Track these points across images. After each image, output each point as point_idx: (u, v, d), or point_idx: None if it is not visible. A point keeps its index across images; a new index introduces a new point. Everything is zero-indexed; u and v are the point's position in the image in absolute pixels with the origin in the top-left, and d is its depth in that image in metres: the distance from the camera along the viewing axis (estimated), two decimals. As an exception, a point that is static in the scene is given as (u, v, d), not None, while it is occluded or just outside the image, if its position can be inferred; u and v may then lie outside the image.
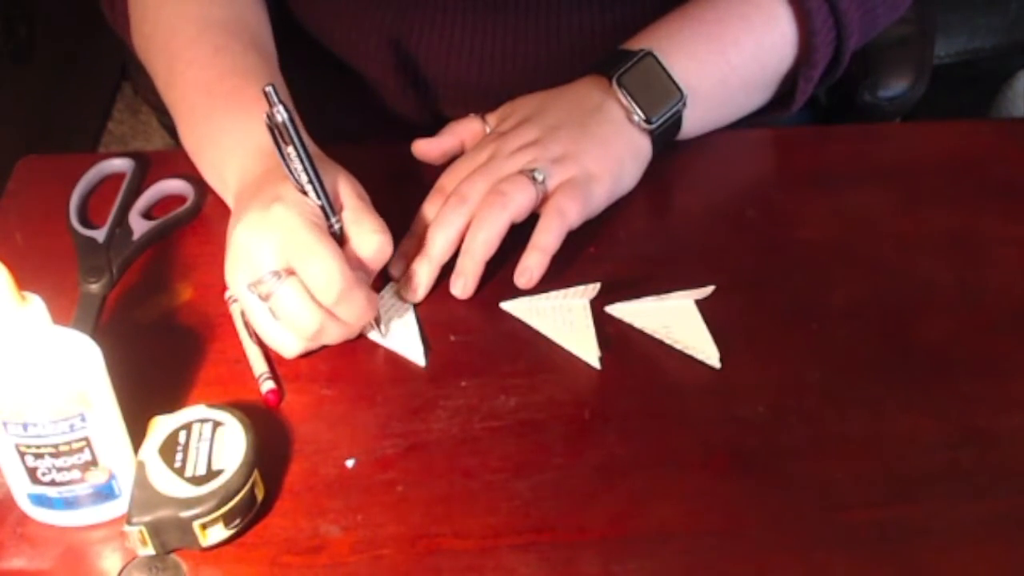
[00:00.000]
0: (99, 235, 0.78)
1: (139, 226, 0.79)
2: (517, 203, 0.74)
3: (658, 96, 0.80)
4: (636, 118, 0.79)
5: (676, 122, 0.81)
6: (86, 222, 0.80)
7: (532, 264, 0.74)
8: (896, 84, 1.05)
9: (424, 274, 0.74)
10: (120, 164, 0.84)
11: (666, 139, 0.82)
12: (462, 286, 0.74)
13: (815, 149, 0.89)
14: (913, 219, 0.82)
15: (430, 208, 0.77)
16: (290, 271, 0.67)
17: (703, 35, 0.83)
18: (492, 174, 0.75)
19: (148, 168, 0.84)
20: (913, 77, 1.05)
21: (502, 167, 0.76)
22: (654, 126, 0.80)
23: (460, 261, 0.74)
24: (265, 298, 0.68)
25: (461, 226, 0.74)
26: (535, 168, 0.75)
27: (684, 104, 0.80)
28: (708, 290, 0.74)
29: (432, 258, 0.74)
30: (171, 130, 0.88)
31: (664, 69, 0.80)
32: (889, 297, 0.76)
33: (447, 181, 0.78)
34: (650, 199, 0.82)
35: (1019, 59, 1.34)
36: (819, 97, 1.12)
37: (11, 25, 1.72)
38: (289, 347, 0.70)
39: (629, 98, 0.79)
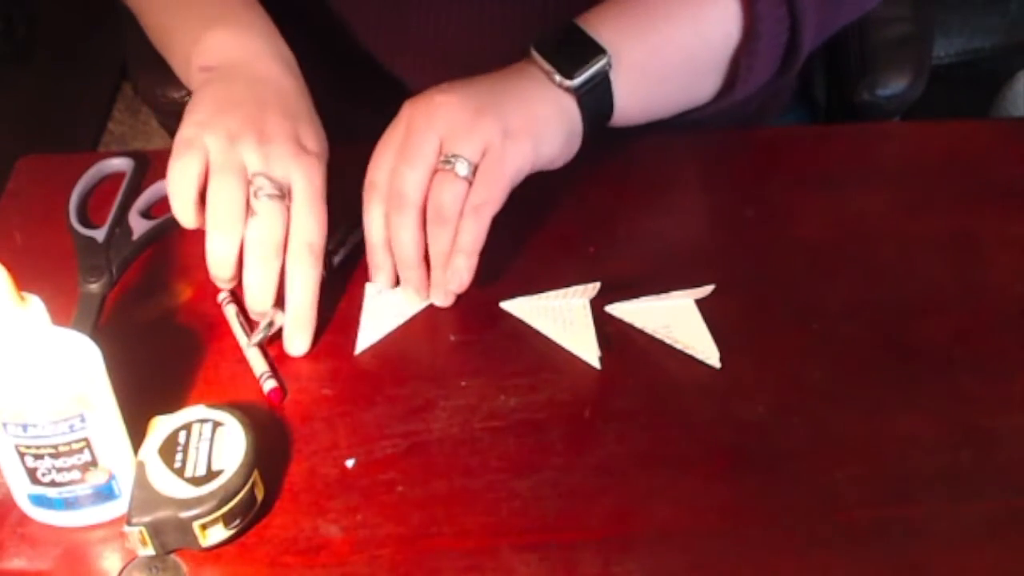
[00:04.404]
0: (99, 235, 0.78)
1: (139, 226, 0.79)
2: (455, 211, 0.72)
3: (578, 56, 0.77)
4: (557, 78, 0.76)
5: (606, 88, 0.78)
6: (86, 222, 0.80)
7: (459, 267, 0.72)
8: (895, 83, 1.05)
9: (413, 281, 0.74)
10: (120, 164, 0.84)
11: (598, 107, 0.79)
12: (443, 295, 0.75)
13: (814, 149, 0.89)
14: (913, 219, 0.82)
15: (374, 211, 0.75)
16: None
17: (630, 7, 0.80)
18: (414, 161, 0.73)
19: (148, 168, 0.84)
20: (912, 76, 1.05)
21: (418, 147, 0.73)
22: (576, 83, 0.76)
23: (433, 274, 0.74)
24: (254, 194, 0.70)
25: (417, 227, 0.73)
26: (453, 157, 0.72)
27: (609, 65, 0.77)
28: (708, 290, 0.74)
29: (412, 265, 0.74)
30: (171, 130, 0.88)
31: (584, 32, 0.78)
32: (889, 297, 0.76)
33: (376, 176, 0.75)
34: (650, 199, 0.82)
35: (1019, 59, 1.34)
36: (817, 96, 1.12)
37: (11, 25, 1.72)
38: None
39: (547, 61, 0.76)
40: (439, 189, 0.72)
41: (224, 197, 0.70)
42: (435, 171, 0.72)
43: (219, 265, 0.71)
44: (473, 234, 0.72)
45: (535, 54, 0.77)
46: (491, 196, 0.72)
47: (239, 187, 0.70)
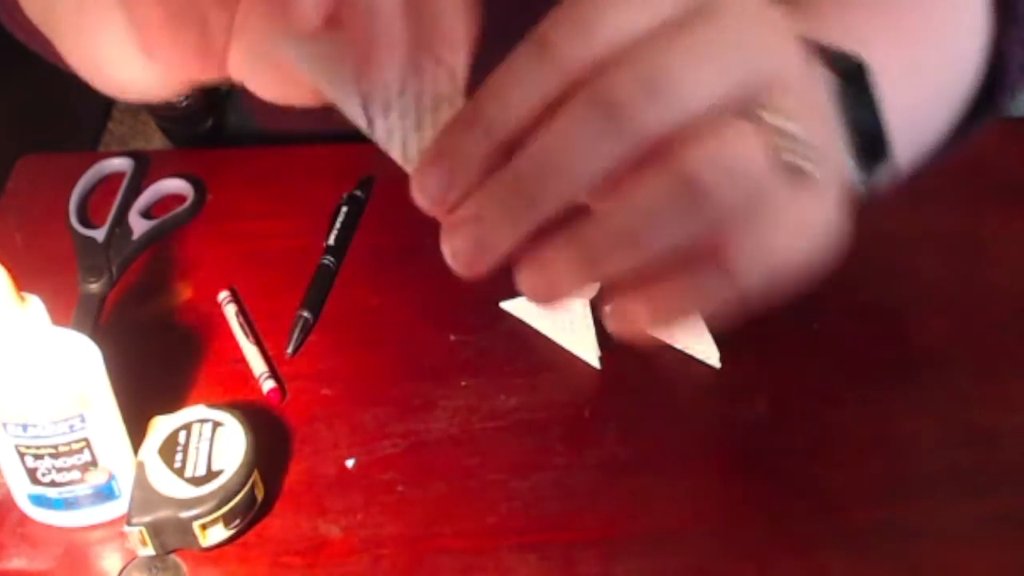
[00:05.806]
0: (99, 235, 0.78)
1: (139, 226, 0.79)
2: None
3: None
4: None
5: None
6: (86, 222, 0.80)
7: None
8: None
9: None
10: (120, 164, 0.84)
11: None
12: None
13: (815, 149, 0.88)
14: (913, 219, 0.82)
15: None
16: None
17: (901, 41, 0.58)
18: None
19: (148, 168, 0.84)
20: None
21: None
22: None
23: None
24: None
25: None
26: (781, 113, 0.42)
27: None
28: (708, 290, 0.74)
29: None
30: (168, 131, 0.87)
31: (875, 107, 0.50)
32: (889, 297, 0.76)
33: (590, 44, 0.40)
34: (650, 199, 0.82)
35: (1019, 59, 1.34)
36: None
37: (11, 25, 1.72)
38: None
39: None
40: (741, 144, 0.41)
41: None
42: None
43: None
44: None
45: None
46: None
47: None
